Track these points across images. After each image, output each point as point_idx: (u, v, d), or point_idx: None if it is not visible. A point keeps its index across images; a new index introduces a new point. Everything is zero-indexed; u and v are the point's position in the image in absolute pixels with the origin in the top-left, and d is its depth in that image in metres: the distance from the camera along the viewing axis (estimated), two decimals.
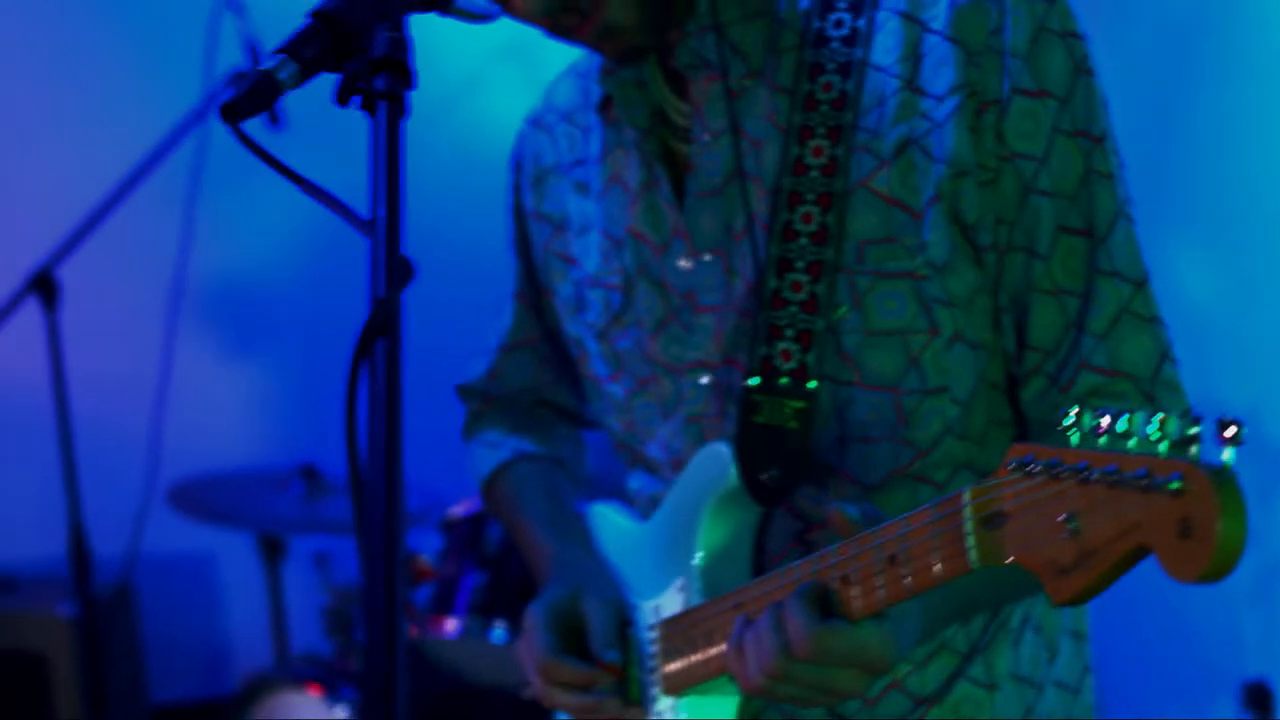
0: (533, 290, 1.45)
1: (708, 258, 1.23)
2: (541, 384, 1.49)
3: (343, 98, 0.93)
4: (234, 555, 3.18)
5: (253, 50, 2.70)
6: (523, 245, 1.45)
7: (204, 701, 3.31)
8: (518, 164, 1.43)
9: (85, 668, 2.75)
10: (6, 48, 3.10)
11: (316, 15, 0.93)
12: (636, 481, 1.37)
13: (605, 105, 1.29)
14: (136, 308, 3.06)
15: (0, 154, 3.12)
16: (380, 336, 0.88)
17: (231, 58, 2.73)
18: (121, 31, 3.11)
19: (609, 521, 1.39)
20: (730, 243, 1.21)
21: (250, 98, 0.91)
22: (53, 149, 3.12)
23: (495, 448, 1.49)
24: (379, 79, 0.92)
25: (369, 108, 0.93)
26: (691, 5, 1.20)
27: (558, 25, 1.16)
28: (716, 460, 1.20)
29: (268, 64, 0.92)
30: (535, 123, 1.42)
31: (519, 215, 1.44)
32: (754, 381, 1.18)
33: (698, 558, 1.22)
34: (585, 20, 1.15)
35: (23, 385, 2.81)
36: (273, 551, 2.98)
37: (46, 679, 2.78)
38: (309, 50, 0.92)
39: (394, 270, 0.89)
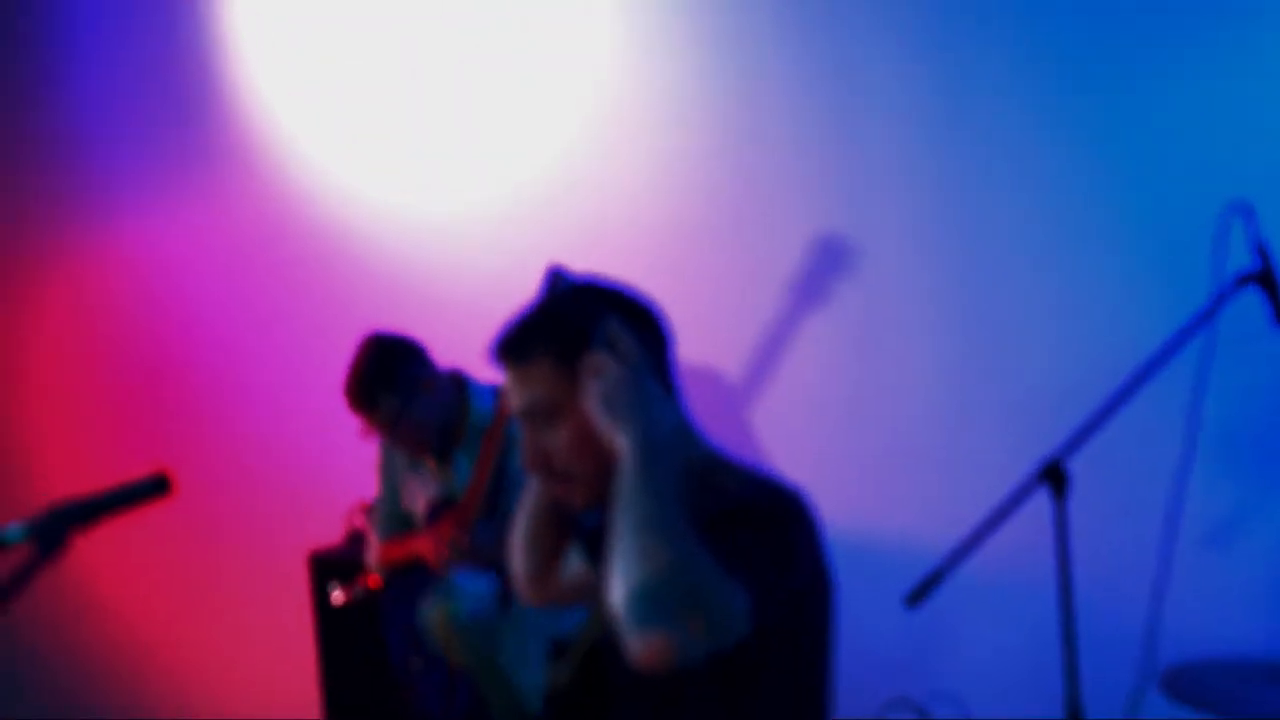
0: None
1: None
2: None
3: None
4: None
5: (1261, 253, 2.77)
6: None
7: None
8: None
9: None
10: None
11: None
12: None
13: None
14: (1135, 497, 3.20)
15: (1003, 354, 3.44)
16: None
17: (1239, 259, 2.81)
18: (1132, 227, 3.27)
19: None
20: None
21: None
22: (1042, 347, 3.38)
23: None
24: None
25: None
26: None
27: None
28: None
29: None
30: None
31: None
32: None
33: None
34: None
35: (1030, 565, 3.06)
36: None
37: None
38: None
39: None
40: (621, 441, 1.69)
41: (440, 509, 3.38)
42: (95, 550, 5.08)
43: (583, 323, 1.80)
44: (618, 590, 1.60)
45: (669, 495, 1.63)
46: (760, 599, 1.64)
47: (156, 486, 1.65)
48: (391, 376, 3.28)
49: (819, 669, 1.84)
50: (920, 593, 2.70)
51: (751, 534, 1.70)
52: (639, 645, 1.57)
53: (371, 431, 3.35)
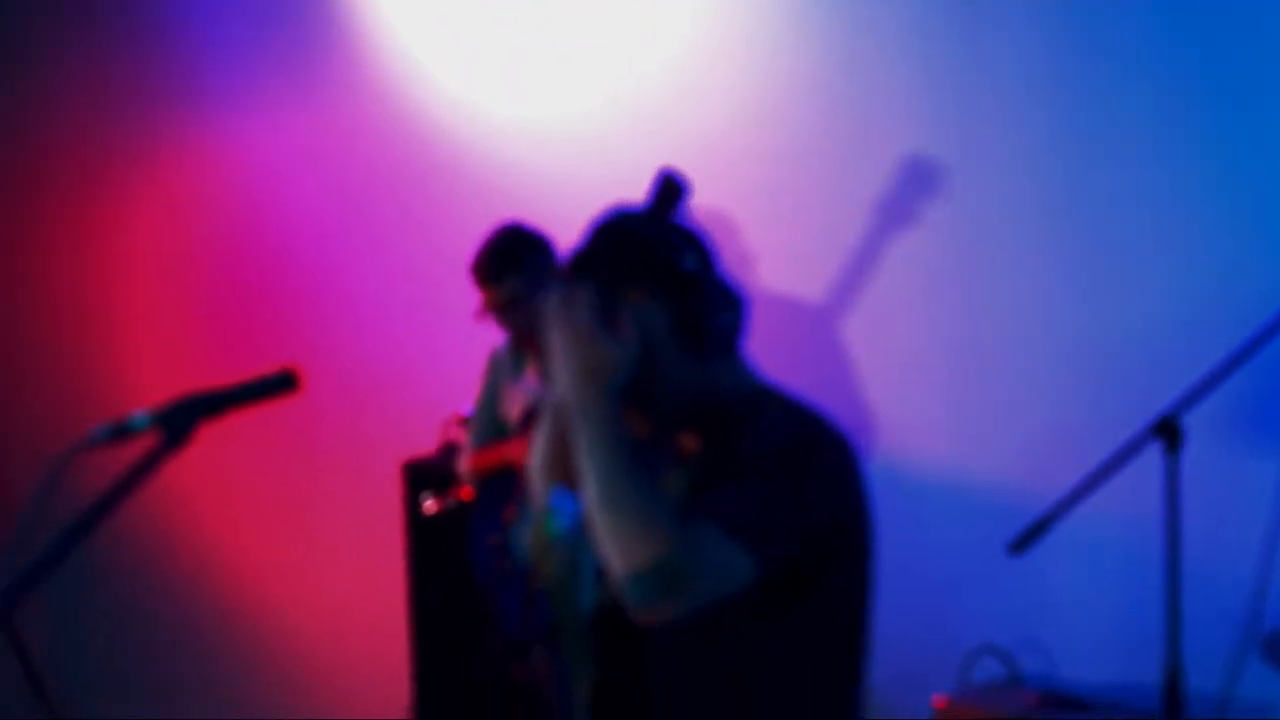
0: None
1: None
2: None
3: None
4: None
5: None
6: None
7: None
8: None
9: None
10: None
11: None
12: None
13: None
14: (1253, 455, 3.14)
15: (1115, 305, 3.37)
16: None
17: None
18: (1257, 181, 3.20)
19: None
20: None
21: None
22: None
23: None
24: None
25: None
26: None
27: None
28: None
29: None
30: None
31: None
32: None
33: None
34: None
35: (1132, 519, 3.02)
36: None
37: None
38: None
39: None
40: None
41: (535, 414, 3.41)
42: (188, 454, 5.14)
43: (641, 251, 1.80)
44: (614, 569, 1.65)
45: (616, 444, 1.68)
46: (779, 540, 1.70)
47: (284, 382, 1.65)
48: (519, 259, 3.38)
49: (856, 602, 1.87)
50: (1025, 540, 2.67)
51: (787, 472, 1.74)
52: (640, 617, 1.66)
53: (488, 311, 3.39)
